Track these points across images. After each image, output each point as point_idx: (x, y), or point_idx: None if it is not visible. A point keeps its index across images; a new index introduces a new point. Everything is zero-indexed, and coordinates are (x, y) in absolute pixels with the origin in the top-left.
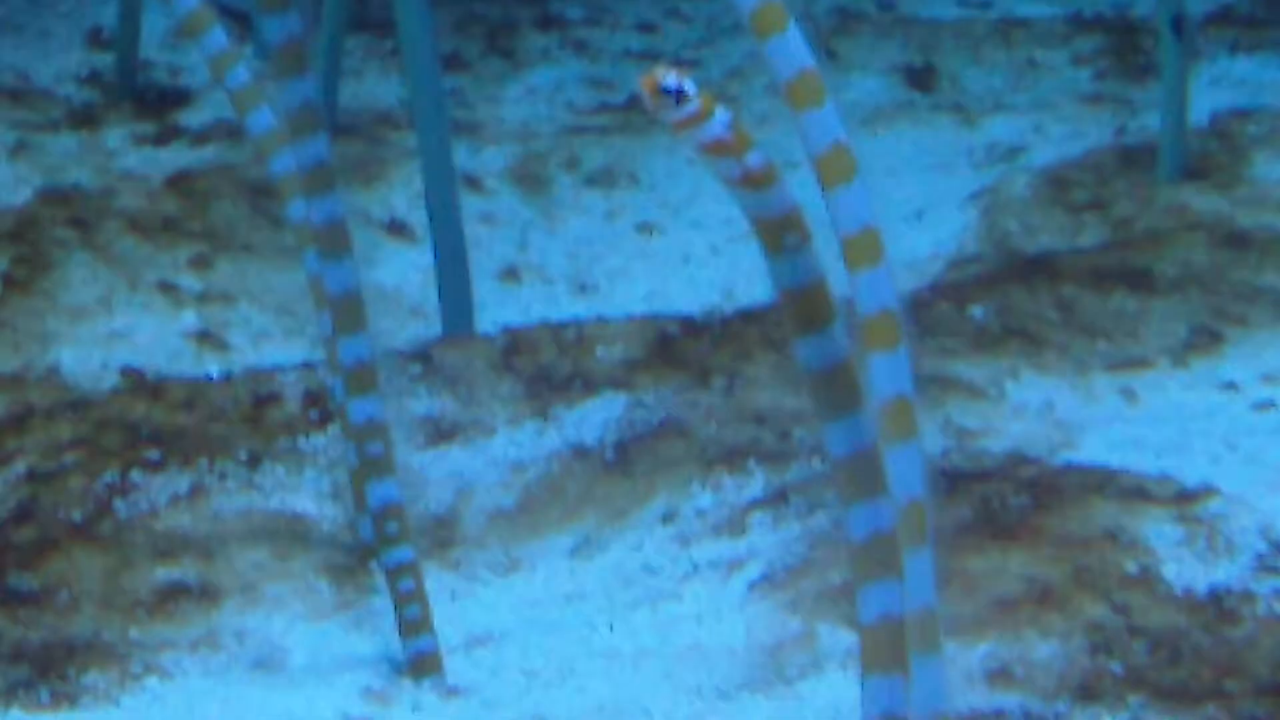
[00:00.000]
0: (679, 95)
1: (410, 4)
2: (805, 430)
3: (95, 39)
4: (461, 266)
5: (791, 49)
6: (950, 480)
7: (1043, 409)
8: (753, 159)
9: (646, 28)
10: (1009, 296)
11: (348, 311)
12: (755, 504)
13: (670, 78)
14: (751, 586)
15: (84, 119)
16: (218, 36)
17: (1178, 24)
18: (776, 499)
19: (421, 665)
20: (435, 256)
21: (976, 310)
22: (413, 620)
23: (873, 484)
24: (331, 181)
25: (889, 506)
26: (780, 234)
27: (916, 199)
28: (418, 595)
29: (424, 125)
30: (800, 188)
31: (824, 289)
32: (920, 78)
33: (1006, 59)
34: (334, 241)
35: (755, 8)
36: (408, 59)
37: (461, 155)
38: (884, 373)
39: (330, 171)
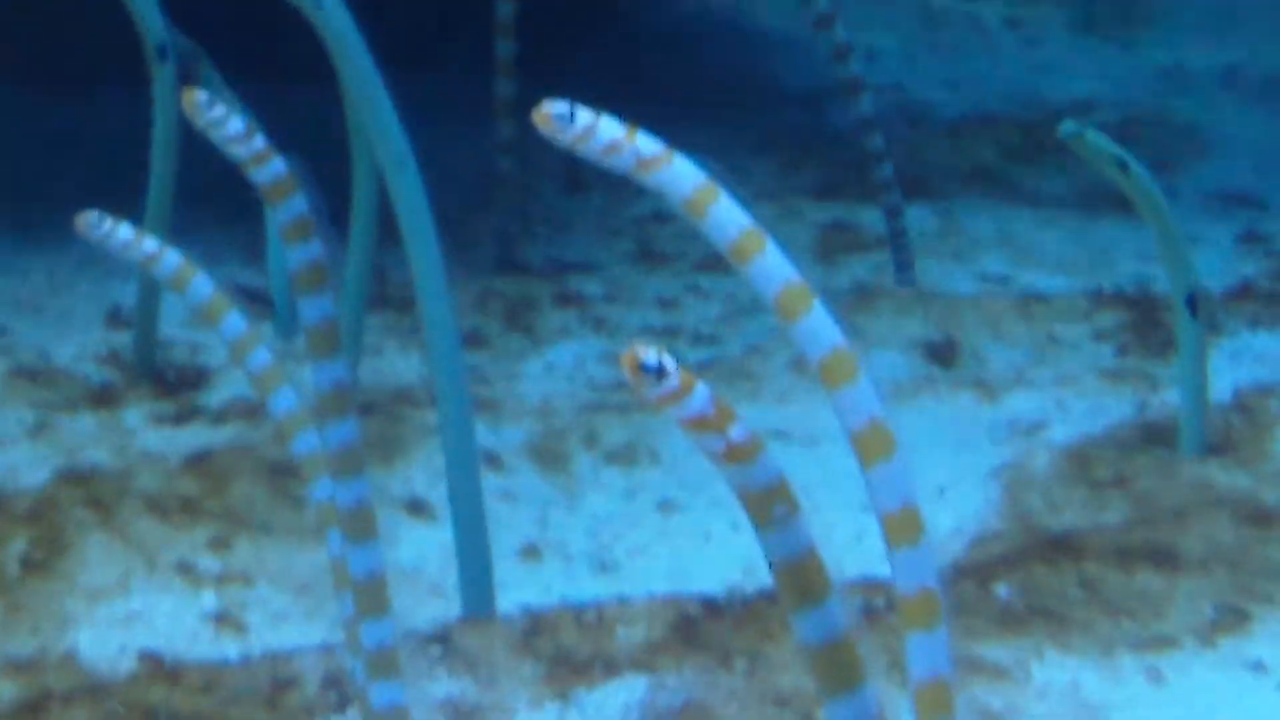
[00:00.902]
0: (659, 372)
1: (431, 281)
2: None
3: (115, 318)
4: (482, 546)
5: (820, 328)
6: None
7: (1068, 690)
8: (735, 433)
9: (666, 304)
10: (1033, 575)
11: (371, 595)
12: None
13: (650, 355)
14: None
15: (103, 398)
16: (236, 321)
17: (1192, 301)
18: None
19: None
20: (456, 536)
21: (1000, 589)
22: None
23: None
24: (361, 464)
25: None
26: (768, 506)
27: (938, 475)
28: None
29: (445, 403)
30: (821, 463)
31: (817, 561)
32: (941, 353)
33: (1027, 334)
34: (360, 525)
35: (778, 294)
36: (428, 337)
37: (481, 432)
38: (922, 653)
39: (359, 454)
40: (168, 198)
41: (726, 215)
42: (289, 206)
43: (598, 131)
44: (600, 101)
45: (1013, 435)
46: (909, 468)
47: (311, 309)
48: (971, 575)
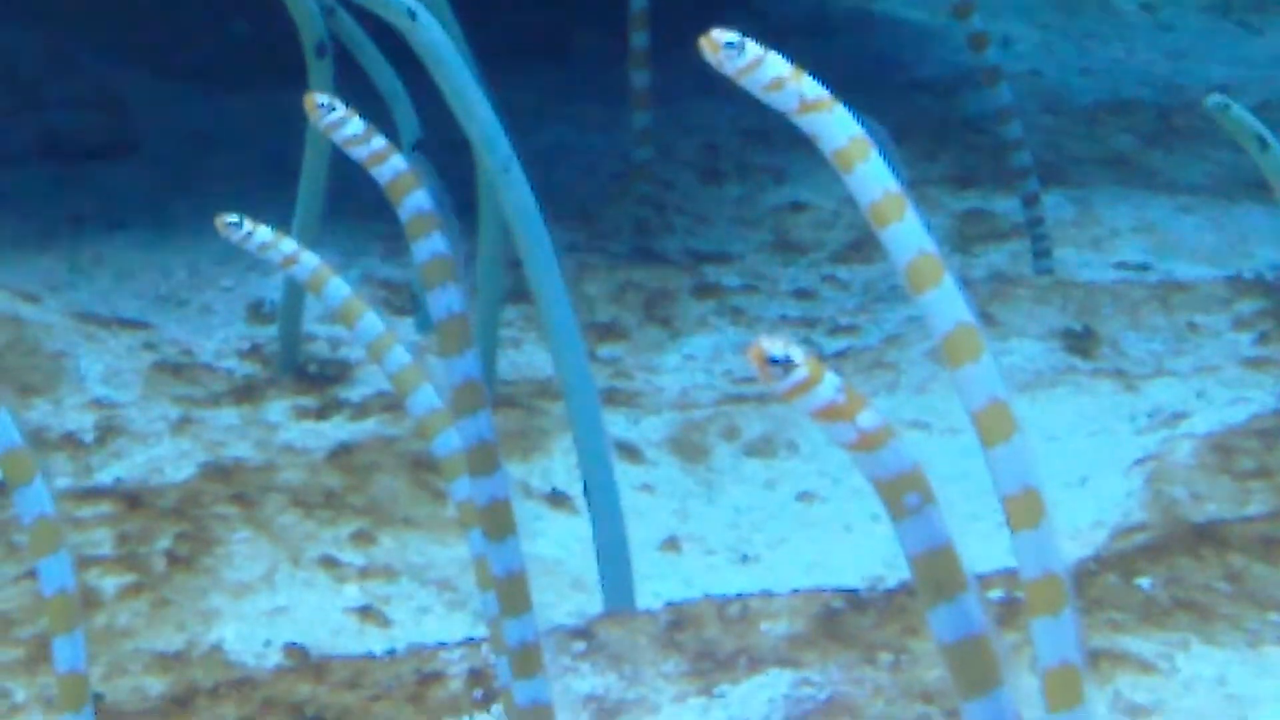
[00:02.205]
0: (786, 364)
1: (546, 275)
2: None
3: (257, 313)
4: (620, 540)
5: (947, 303)
6: None
7: (1215, 683)
8: (865, 421)
9: (804, 294)
10: (1177, 567)
11: (512, 592)
12: None
13: (776, 347)
14: None
15: (246, 393)
16: (372, 322)
17: None
18: None
19: None
20: (594, 531)
21: (1144, 581)
22: None
23: None
24: (496, 461)
25: None
26: (901, 495)
27: (1079, 466)
28: None
29: (572, 397)
30: (963, 453)
31: (953, 553)
32: (1080, 342)
33: (1166, 323)
34: (498, 522)
35: (909, 263)
36: (550, 330)
37: (620, 425)
38: (1048, 639)
39: (493, 450)
40: (319, 191)
41: (873, 174)
42: (411, 202)
43: (765, 65)
44: (734, 92)
45: (1154, 425)
46: (1030, 449)
47: (439, 304)
48: (1114, 567)
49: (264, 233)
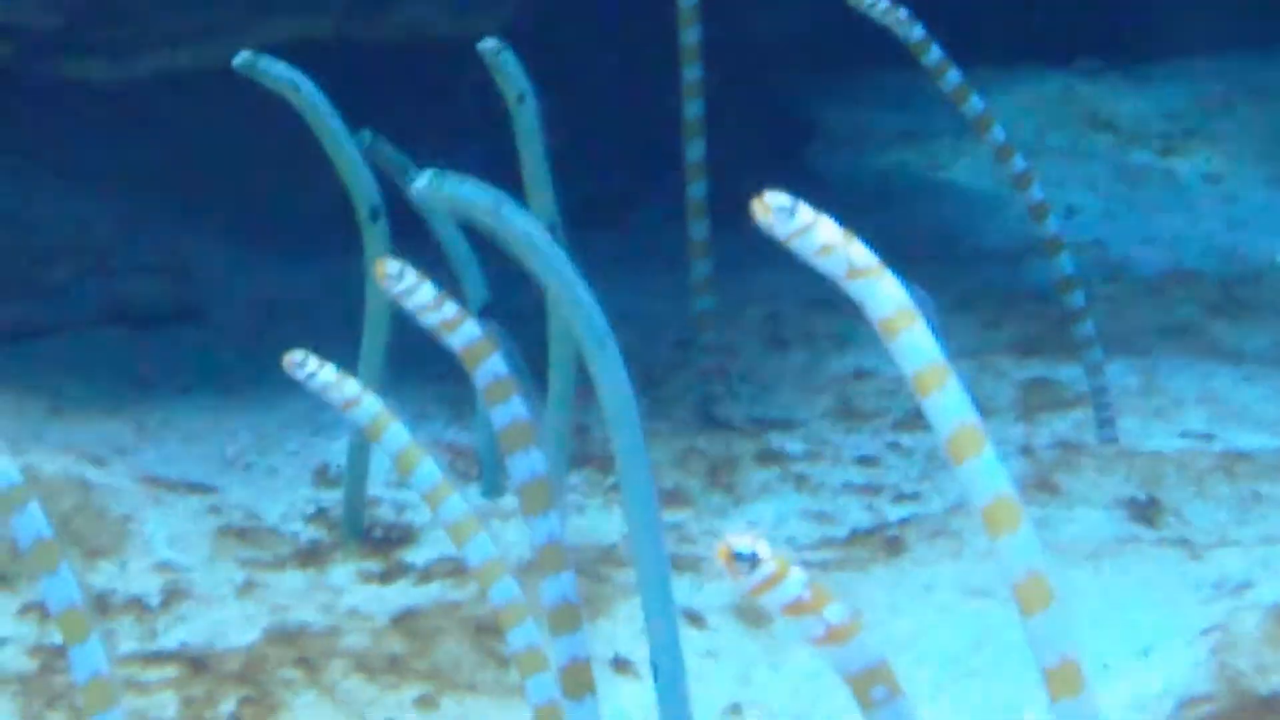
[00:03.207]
0: (752, 560)
1: (628, 439)
2: None
3: (322, 477)
4: (683, 705)
5: (988, 473)
6: None
7: None
8: (832, 615)
9: (867, 461)
10: None
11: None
12: None
13: (743, 543)
14: None
15: (311, 557)
16: (430, 470)
17: None
18: None
19: None
20: (657, 693)
21: None
22: None
23: None
24: (578, 620)
25: None
26: (868, 688)
27: (1143, 635)
28: None
29: (643, 564)
30: None
31: None
32: (1144, 511)
33: (1231, 492)
34: (578, 681)
35: (952, 433)
36: (625, 495)
37: (684, 590)
38: None
39: (576, 610)
40: (381, 352)
41: (917, 343)
42: (487, 369)
43: (815, 230)
44: (796, 260)
45: (1219, 595)
46: (1069, 619)
47: (521, 468)
48: None
49: (328, 373)
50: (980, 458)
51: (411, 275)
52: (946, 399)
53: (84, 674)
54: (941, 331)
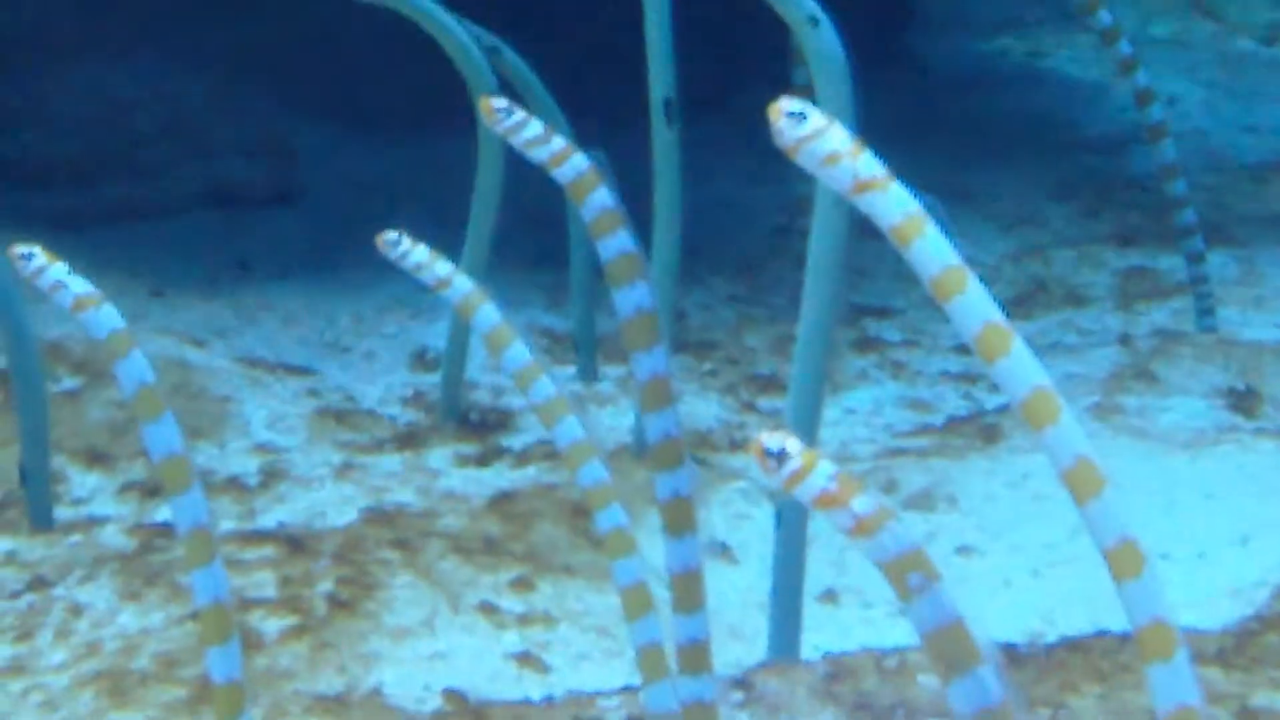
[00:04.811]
0: (781, 456)
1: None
2: None
3: (420, 360)
4: (796, 591)
5: (1020, 369)
6: None
7: None
8: (860, 506)
9: (964, 349)
10: None
11: (687, 588)
12: None
13: (774, 440)
14: None
15: (408, 440)
16: (520, 351)
17: None
18: None
19: None
20: (774, 579)
21: None
22: None
23: None
24: (682, 456)
25: None
26: (904, 575)
27: (1241, 525)
28: None
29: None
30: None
31: (963, 628)
32: (1242, 401)
33: None
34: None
35: (978, 333)
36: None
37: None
38: (1164, 684)
39: (680, 446)
40: (486, 239)
41: (930, 249)
42: (594, 201)
43: (823, 137)
44: (893, 140)
45: None
46: (1122, 501)
47: (628, 301)
48: (1276, 627)
49: (421, 252)
50: (1010, 356)
51: (519, 111)
52: (968, 301)
53: (185, 524)
54: (953, 235)
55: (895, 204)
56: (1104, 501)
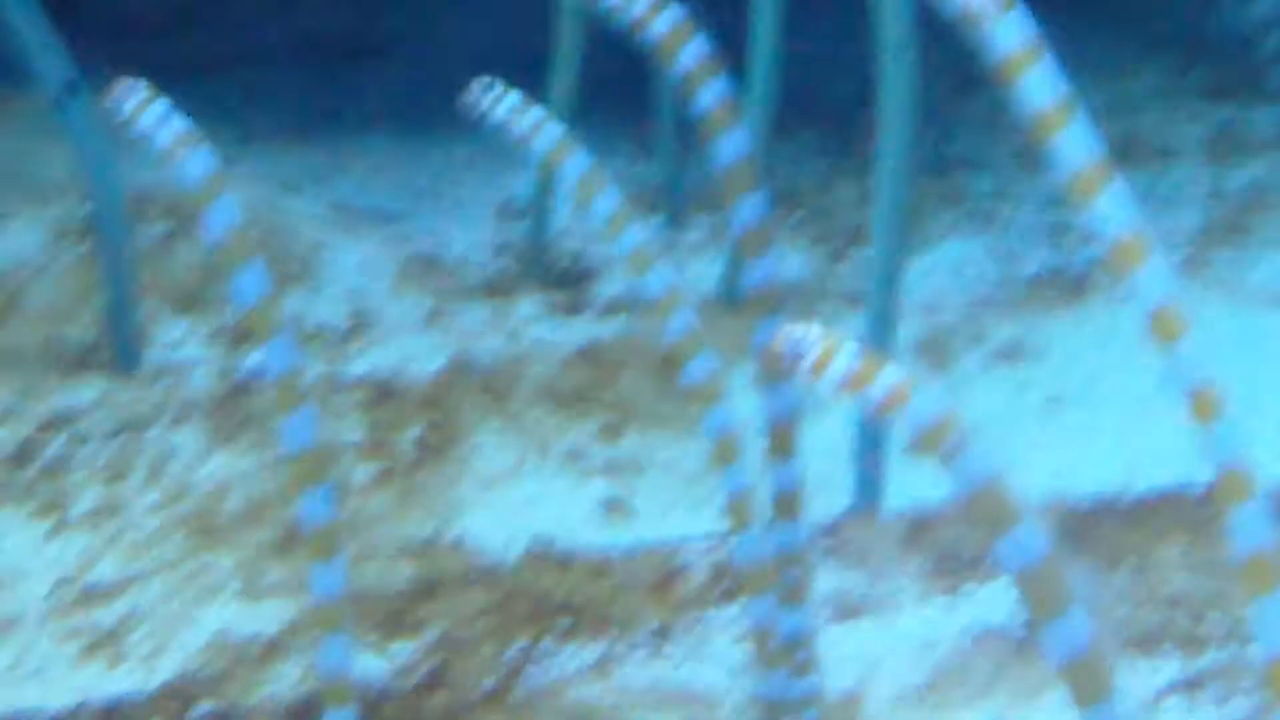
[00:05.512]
0: (801, 347)
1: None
2: (1221, 614)
3: (508, 210)
4: (880, 443)
5: (1114, 210)
6: None
7: None
8: (886, 380)
9: (1055, 202)
10: None
11: (782, 436)
12: (1169, 689)
13: (793, 335)
14: None
15: (496, 289)
16: (610, 200)
17: None
18: (1191, 684)
19: None
20: (857, 432)
21: None
22: None
23: (1097, 689)
24: (780, 301)
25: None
26: (940, 440)
27: None
28: None
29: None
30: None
31: (1003, 487)
32: None
33: None
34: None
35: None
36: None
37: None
38: (1242, 528)
39: (779, 292)
40: (572, 89)
41: (1038, 83)
42: (689, 52)
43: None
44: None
45: None
46: (1205, 347)
47: (725, 148)
48: None
49: (513, 99)
50: (1107, 196)
51: None
52: (1071, 137)
53: (276, 368)
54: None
55: (1010, 31)
56: (1186, 345)
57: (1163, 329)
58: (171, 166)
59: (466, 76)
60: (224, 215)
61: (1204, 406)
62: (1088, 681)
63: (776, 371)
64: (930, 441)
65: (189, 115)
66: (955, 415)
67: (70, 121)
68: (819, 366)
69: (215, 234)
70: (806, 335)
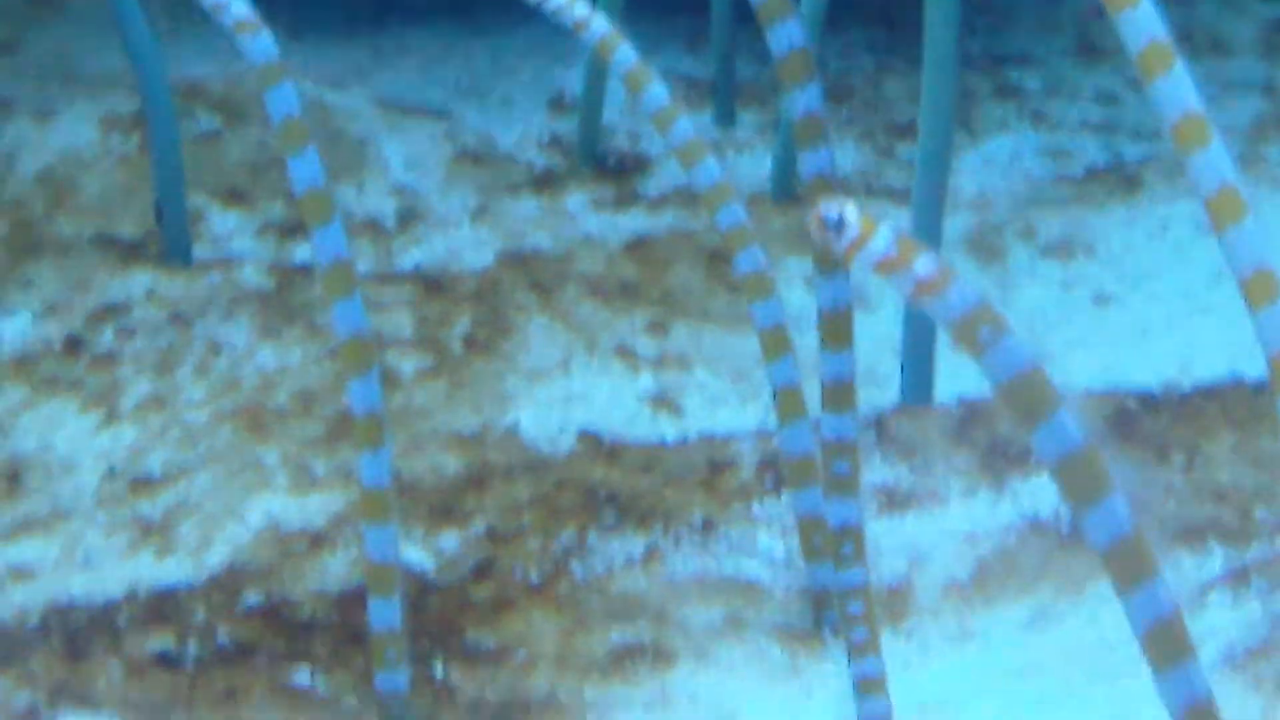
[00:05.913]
0: (840, 224)
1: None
2: (1268, 509)
3: (557, 105)
4: (929, 336)
5: (1176, 90)
6: None
7: None
8: (921, 267)
9: (1106, 98)
10: None
11: (836, 326)
12: (1214, 582)
13: (833, 209)
14: (1210, 667)
15: (545, 184)
16: (659, 91)
17: None
18: (1237, 578)
19: None
20: (905, 325)
21: None
22: (860, 644)
23: (1139, 570)
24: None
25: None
26: (973, 332)
27: None
28: (867, 618)
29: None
30: None
31: (1039, 376)
32: None
33: None
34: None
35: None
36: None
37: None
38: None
39: (832, 179)
40: None
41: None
42: None
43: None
44: None
45: None
46: (1262, 232)
47: (780, 38)
48: None
49: None
50: (1169, 77)
51: None
52: (1138, 15)
53: (326, 257)
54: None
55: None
56: (1244, 230)
57: (1222, 211)
58: (221, 59)
59: None
60: (282, 102)
61: (1260, 290)
62: (1129, 566)
63: (831, 260)
64: (965, 331)
65: None
66: (990, 305)
67: (120, 14)
68: (857, 245)
69: (275, 120)
70: (845, 211)
